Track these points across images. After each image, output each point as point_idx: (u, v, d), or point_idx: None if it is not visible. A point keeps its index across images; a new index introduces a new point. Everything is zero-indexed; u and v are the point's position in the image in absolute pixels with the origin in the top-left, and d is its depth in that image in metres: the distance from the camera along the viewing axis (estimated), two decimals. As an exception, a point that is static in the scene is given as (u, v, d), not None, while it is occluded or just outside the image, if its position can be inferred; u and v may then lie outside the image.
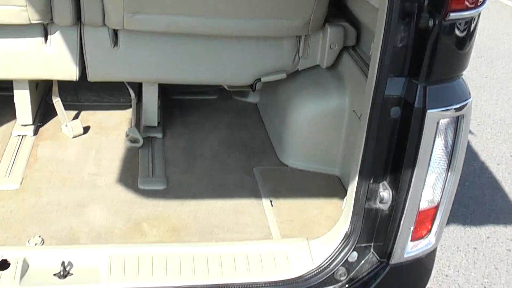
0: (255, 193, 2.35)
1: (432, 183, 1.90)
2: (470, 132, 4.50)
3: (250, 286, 1.91)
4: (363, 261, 1.99)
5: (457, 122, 1.82)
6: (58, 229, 2.10)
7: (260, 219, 2.22)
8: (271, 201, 2.32)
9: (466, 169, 4.01)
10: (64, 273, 1.87)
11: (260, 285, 1.92)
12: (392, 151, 1.83)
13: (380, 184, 1.91)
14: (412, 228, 1.93)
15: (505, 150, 4.33)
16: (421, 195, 1.88)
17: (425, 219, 1.96)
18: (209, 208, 2.25)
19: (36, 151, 2.55)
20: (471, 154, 4.22)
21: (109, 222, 2.15)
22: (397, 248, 1.92)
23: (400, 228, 1.88)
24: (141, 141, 2.61)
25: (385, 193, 1.89)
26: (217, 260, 1.94)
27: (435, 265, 3.14)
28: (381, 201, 1.91)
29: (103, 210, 2.21)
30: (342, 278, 1.97)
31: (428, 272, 2.08)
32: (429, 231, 2.00)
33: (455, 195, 3.48)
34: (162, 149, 2.61)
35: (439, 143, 1.82)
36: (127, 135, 2.64)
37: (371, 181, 1.88)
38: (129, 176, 2.40)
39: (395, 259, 1.94)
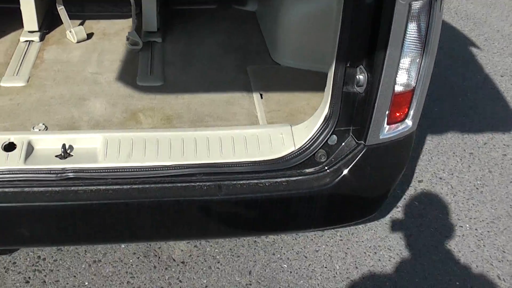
0: (247, 88, 2.48)
1: (407, 67, 1.99)
2: (476, 46, 4.53)
3: (235, 165, 2.06)
4: (342, 144, 2.12)
5: (430, 6, 1.89)
6: (61, 118, 2.26)
7: (249, 109, 2.35)
8: (261, 94, 2.44)
9: (468, 81, 4.08)
10: (64, 155, 2.04)
11: (245, 165, 2.06)
12: (367, 35, 1.92)
13: (358, 68, 2.01)
14: (387, 112, 2.03)
15: (511, 63, 4.36)
16: (395, 78, 1.97)
17: (401, 102, 2.06)
18: (201, 100, 2.38)
19: (42, 54, 2.69)
20: (475, 67, 4.26)
21: (107, 113, 2.30)
22: (372, 130, 2.03)
23: (375, 110, 1.99)
24: (141, 44, 2.74)
25: (361, 76, 1.99)
26: (205, 142, 2.08)
27: (429, 169, 3.28)
28: (358, 84, 2.01)
29: (103, 103, 2.36)
30: (322, 160, 2.10)
31: (406, 154, 2.19)
32: (406, 114, 2.10)
33: (456, 105, 3.58)
34: (161, 52, 2.74)
35: (412, 26, 1.90)
36: (127, 39, 2.77)
37: (348, 65, 1.98)
38: (128, 74, 2.54)
39: (370, 141, 2.06)
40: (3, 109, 2.28)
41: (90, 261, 2.67)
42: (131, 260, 2.68)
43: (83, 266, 2.65)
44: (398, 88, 2.01)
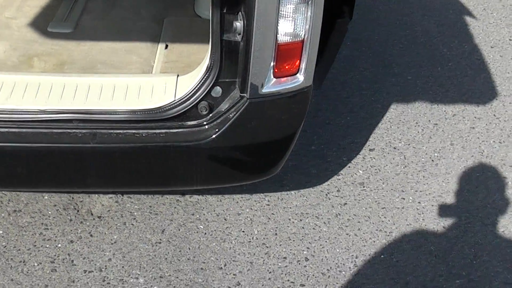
0: (154, 38, 2.38)
1: (290, 15, 1.84)
2: (472, 16, 4.25)
3: (111, 113, 1.97)
4: (228, 97, 2.00)
5: None
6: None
7: (147, 59, 2.26)
8: (166, 45, 2.34)
9: (454, 50, 3.84)
10: None
11: (121, 113, 1.97)
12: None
13: (237, 14, 1.88)
14: (272, 63, 1.90)
15: (506, 34, 4.08)
16: (276, 26, 1.84)
17: (289, 54, 1.92)
18: (102, 48, 2.30)
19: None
20: (465, 37, 4.01)
21: (6, 56, 2.25)
22: (252, 82, 1.90)
23: (252, 60, 1.86)
24: None
25: (238, 23, 1.86)
26: (85, 89, 2.01)
27: (384, 138, 3.10)
28: (236, 31, 1.88)
29: (6, 46, 2.31)
30: (204, 112, 1.99)
31: (298, 112, 2.05)
32: (298, 68, 1.96)
33: (433, 75, 3.36)
34: (84, 0, 2.66)
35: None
36: None
37: (225, 10, 1.85)
38: (44, 20, 2.48)
39: (252, 94, 1.93)
40: None
41: (10, 210, 2.65)
42: (49, 212, 2.65)
43: (2, 215, 2.63)
44: (283, 38, 1.87)
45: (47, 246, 2.50)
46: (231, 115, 1.97)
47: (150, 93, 2.01)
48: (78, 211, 2.66)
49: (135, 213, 2.65)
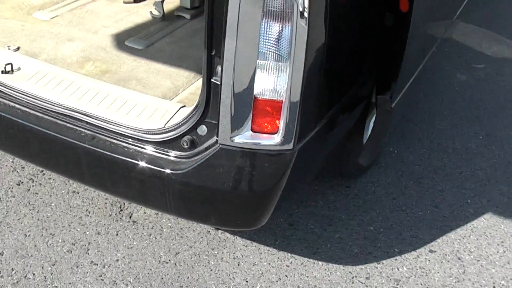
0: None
1: (267, 70, 1.84)
2: None
3: (110, 122, 2.14)
4: (211, 139, 2.04)
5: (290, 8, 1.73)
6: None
7: (177, 86, 2.38)
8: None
9: None
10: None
11: (118, 125, 2.12)
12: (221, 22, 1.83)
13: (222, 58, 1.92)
14: (249, 116, 1.90)
15: None
16: (253, 78, 1.84)
17: (266, 111, 1.90)
18: (149, 67, 2.49)
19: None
20: None
21: (70, 54, 2.57)
22: (222, 129, 1.92)
23: (221, 107, 1.88)
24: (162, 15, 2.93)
25: (219, 66, 1.90)
26: (102, 95, 2.21)
27: (454, 245, 2.80)
28: (216, 75, 1.93)
29: (79, 46, 2.66)
30: (185, 146, 2.05)
31: (273, 174, 1.98)
32: (278, 129, 1.93)
33: None
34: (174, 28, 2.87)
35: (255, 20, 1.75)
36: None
37: (213, 53, 1.91)
38: (128, 35, 2.74)
39: (222, 141, 1.95)
40: None
41: (70, 190, 2.96)
42: (98, 202, 2.90)
43: (63, 191, 2.95)
44: (260, 93, 1.87)
45: (78, 229, 2.74)
46: (204, 156, 1.99)
47: (150, 114, 2.12)
48: (121, 210, 2.86)
49: (165, 230, 2.77)
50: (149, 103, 2.17)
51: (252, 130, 1.91)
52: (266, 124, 1.90)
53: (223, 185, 1.98)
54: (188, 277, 2.54)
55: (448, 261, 2.70)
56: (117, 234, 2.72)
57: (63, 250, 2.62)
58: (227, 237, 2.72)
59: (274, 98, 1.85)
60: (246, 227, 2.22)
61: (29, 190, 2.92)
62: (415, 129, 3.53)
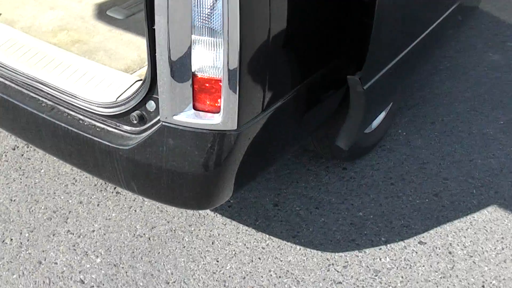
0: None
1: (206, 46, 1.74)
2: None
3: (68, 94, 2.10)
4: (158, 114, 1.96)
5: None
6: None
7: (143, 59, 2.30)
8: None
9: None
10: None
11: (76, 97, 2.08)
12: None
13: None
14: (190, 94, 1.82)
15: None
16: (189, 54, 1.75)
17: (209, 89, 1.81)
18: (121, 38, 2.41)
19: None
20: None
21: (47, 23, 2.53)
22: (164, 106, 1.85)
23: (158, 83, 1.80)
24: None
25: (159, 43, 1.82)
26: (57, 63, 2.17)
27: (448, 238, 2.63)
28: (159, 50, 1.84)
29: (58, 15, 2.59)
30: (134, 122, 1.99)
31: (216, 154, 1.88)
32: (220, 108, 1.84)
33: None
34: None
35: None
36: None
37: (154, 26, 1.82)
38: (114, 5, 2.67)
39: (164, 118, 1.87)
40: None
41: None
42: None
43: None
44: (199, 70, 1.78)
45: (62, 197, 2.75)
46: (149, 133, 1.93)
47: (106, 87, 2.07)
48: (108, 180, 2.85)
49: (146, 203, 2.73)
50: (107, 76, 2.11)
51: (194, 108, 1.82)
52: (208, 102, 1.81)
53: (166, 163, 1.92)
54: (159, 253, 2.50)
55: (438, 254, 2.54)
56: (98, 205, 2.71)
57: (43, 218, 2.64)
58: (207, 214, 2.66)
59: (212, 76, 1.76)
60: (196, 207, 2.14)
61: (22, 155, 2.95)
62: (430, 111, 3.33)
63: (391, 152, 3.03)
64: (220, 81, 1.74)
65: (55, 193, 2.75)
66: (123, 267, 2.43)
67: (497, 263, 2.51)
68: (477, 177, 2.92)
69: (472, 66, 3.72)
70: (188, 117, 1.81)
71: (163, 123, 1.85)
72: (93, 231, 2.58)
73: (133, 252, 2.49)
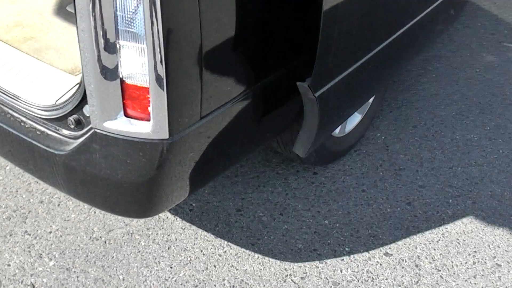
0: None
1: (131, 52, 1.66)
2: None
3: (12, 95, 2.03)
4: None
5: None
6: None
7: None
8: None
9: None
10: None
11: (18, 99, 2.02)
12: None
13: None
14: (120, 101, 1.74)
15: None
16: (119, 60, 1.67)
17: (137, 96, 1.73)
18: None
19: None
20: None
21: (2, 17, 2.46)
22: (92, 111, 1.77)
23: (87, 88, 1.73)
24: None
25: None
26: (3, 62, 2.10)
27: (424, 252, 2.53)
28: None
29: (17, 9, 2.50)
30: (71, 126, 1.92)
31: (146, 163, 1.80)
32: (150, 116, 1.76)
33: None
34: None
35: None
36: None
37: None
38: None
39: (94, 124, 1.80)
40: None
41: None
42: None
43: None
44: (128, 76, 1.70)
45: (23, 196, 2.71)
46: (84, 139, 1.86)
47: (48, 89, 2.00)
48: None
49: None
50: (52, 77, 2.04)
51: (126, 115, 1.74)
52: (139, 110, 1.73)
53: (100, 171, 1.84)
54: (113, 257, 2.43)
55: (403, 267, 2.44)
56: (59, 205, 2.65)
57: (3, 217, 2.59)
58: (167, 217, 2.59)
59: (140, 83, 1.67)
60: (134, 216, 2.07)
61: (-10, 151, 2.90)
62: (413, 114, 3.21)
63: (366, 157, 2.92)
64: (148, 88, 1.65)
65: (17, 191, 2.71)
66: (75, 271, 2.37)
67: (466, 279, 2.39)
68: (456, 185, 2.80)
69: (464, 67, 3.57)
70: (119, 125, 1.74)
71: (95, 130, 1.77)
72: (50, 232, 2.53)
73: (87, 255, 2.43)
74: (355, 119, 2.87)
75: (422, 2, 2.57)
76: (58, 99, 1.94)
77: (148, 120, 1.73)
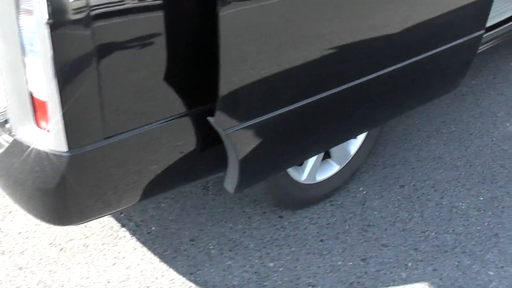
0: None
1: (31, 67, 1.85)
2: None
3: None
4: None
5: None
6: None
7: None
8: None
9: None
10: None
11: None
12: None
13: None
14: (30, 111, 1.92)
15: None
16: (19, 73, 1.86)
17: (40, 109, 1.91)
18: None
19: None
20: None
21: None
22: (13, 121, 1.96)
23: (6, 95, 1.93)
24: None
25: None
26: None
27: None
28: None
29: None
30: (8, 132, 2.14)
31: (50, 175, 1.96)
32: (51, 129, 1.94)
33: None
34: None
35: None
36: None
37: None
38: None
39: (13, 131, 1.98)
40: None
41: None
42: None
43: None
44: (34, 91, 1.89)
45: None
46: (7, 145, 2.05)
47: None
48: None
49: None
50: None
51: (37, 126, 1.91)
52: (45, 122, 1.89)
53: (17, 176, 2.02)
54: (62, 264, 2.62)
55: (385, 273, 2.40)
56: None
57: None
58: (125, 236, 2.74)
59: (41, 97, 1.84)
60: (51, 222, 2.17)
61: None
62: (406, 173, 3.14)
63: (339, 208, 2.90)
64: (46, 102, 1.82)
65: (9, 193, 2.97)
66: (25, 271, 2.57)
67: None
68: (421, 250, 2.70)
69: (481, 134, 3.44)
70: (30, 134, 1.91)
71: (14, 138, 1.96)
72: (20, 233, 2.75)
73: (41, 259, 2.62)
74: (331, 169, 2.86)
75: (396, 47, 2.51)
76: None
77: (49, 132, 1.89)
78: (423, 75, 2.65)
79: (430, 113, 3.58)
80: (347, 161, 2.90)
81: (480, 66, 4.09)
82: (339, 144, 2.71)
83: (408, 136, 3.37)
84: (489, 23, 3.23)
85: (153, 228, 2.77)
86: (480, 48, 3.16)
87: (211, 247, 2.69)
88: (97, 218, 2.16)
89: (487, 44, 3.24)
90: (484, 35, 3.12)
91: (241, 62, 1.95)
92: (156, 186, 2.25)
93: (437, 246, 2.72)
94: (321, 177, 2.83)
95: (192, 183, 2.45)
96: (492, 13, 3.21)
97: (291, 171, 2.67)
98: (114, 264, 2.60)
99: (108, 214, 2.42)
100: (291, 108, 2.22)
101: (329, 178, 2.86)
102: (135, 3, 1.82)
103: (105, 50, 1.78)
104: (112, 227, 2.78)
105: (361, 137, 2.92)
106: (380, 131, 3.00)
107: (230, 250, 2.67)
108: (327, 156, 2.85)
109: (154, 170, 2.16)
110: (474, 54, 2.89)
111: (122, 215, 2.83)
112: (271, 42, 1.99)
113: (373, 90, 2.44)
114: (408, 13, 2.38)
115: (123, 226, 2.78)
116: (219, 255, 2.65)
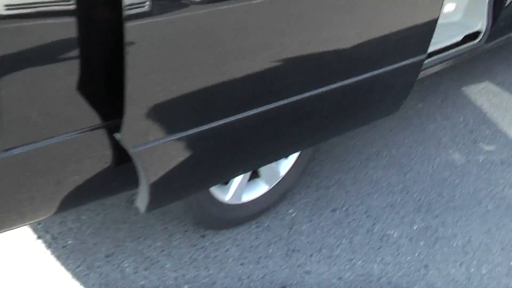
0: None
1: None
2: None
3: None
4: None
5: None
6: None
7: None
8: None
9: None
10: None
11: None
12: None
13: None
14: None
15: None
16: None
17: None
18: None
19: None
20: None
21: None
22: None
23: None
24: None
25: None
26: None
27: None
28: None
29: None
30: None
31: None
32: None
33: None
34: None
35: None
36: None
37: None
38: None
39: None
40: None
41: None
42: None
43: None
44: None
45: None
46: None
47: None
48: None
49: None
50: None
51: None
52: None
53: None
54: (-30, 274, 2.48)
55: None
56: None
57: None
58: (39, 249, 2.61)
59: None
60: None
61: None
62: (339, 197, 3.05)
63: (264, 231, 2.80)
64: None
65: None
66: None
67: None
68: (345, 279, 2.61)
69: (422, 160, 3.36)
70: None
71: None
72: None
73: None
74: (259, 189, 2.77)
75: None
76: None
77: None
78: (362, 96, 2.56)
79: (372, 134, 3.50)
80: (277, 182, 2.80)
81: (429, 89, 4.03)
82: (266, 164, 2.62)
83: (346, 158, 3.28)
84: (434, 48, 3.16)
85: (69, 241, 2.65)
86: (423, 72, 3.08)
87: (126, 264, 2.58)
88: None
89: (430, 69, 3.17)
90: (428, 60, 3.06)
91: (149, 77, 1.84)
92: (66, 200, 2.15)
93: (362, 275, 2.63)
94: (247, 197, 2.73)
95: (109, 197, 2.35)
96: (437, 37, 3.13)
97: (214, 190, 2.57)
98: (24, 278, 2.48)
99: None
100: (209, 126, 2.11)
101: (256, 198, 2.76)
102: (47, 7, 1.69)
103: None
104: (28, 238, 2.65)
105: (293, 157, 2.82)
106: (315, 151, 2.90)
107: (145, 269, 2.56)
108: (255, 175, 2.75)
109: (61, 183, 2.05)
110: (415, 78, 2.81)
111: (40, 225, 2.71)
112: (182, 56, 1.89)
113: (306, 109, 2.33)
114: (349, 33, 2.28)
115: (39, 237, 2.65)
116: (133, 274, 2.54)
